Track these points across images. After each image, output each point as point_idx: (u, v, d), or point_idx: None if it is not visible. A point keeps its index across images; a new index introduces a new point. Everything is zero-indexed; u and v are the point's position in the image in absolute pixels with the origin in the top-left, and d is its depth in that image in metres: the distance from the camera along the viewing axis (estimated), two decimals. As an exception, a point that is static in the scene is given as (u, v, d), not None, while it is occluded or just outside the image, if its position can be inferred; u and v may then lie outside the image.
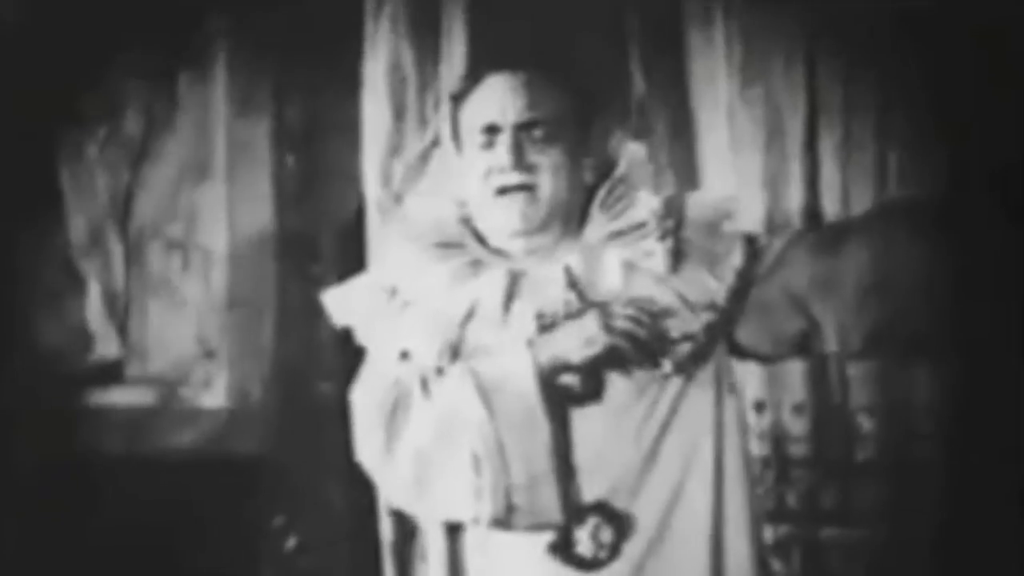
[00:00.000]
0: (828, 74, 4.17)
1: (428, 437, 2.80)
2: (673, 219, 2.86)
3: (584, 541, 2.79)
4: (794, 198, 4.20)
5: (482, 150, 2.87)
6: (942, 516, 3.99)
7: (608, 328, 2.77)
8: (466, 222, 2.94)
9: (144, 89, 4.91)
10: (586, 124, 2.91)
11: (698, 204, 2.92)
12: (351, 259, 4.35)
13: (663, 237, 2.84)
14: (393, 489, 2.88)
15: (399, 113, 4.33)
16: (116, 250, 4.95)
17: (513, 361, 2.79)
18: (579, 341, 2.78)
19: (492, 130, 2.86)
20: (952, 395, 4.02)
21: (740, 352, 2.92)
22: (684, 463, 2.82)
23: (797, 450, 4.21)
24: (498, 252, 2.91)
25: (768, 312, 2.87)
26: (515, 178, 2.84)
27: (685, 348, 2.81)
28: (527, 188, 2.84)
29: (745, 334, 2.89)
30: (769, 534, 4.16)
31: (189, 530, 4.76)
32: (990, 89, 3.74)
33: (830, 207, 4.17)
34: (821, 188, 4.20)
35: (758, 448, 4.17)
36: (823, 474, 4.18)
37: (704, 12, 4.26)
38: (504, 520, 2.78)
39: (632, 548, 2.80)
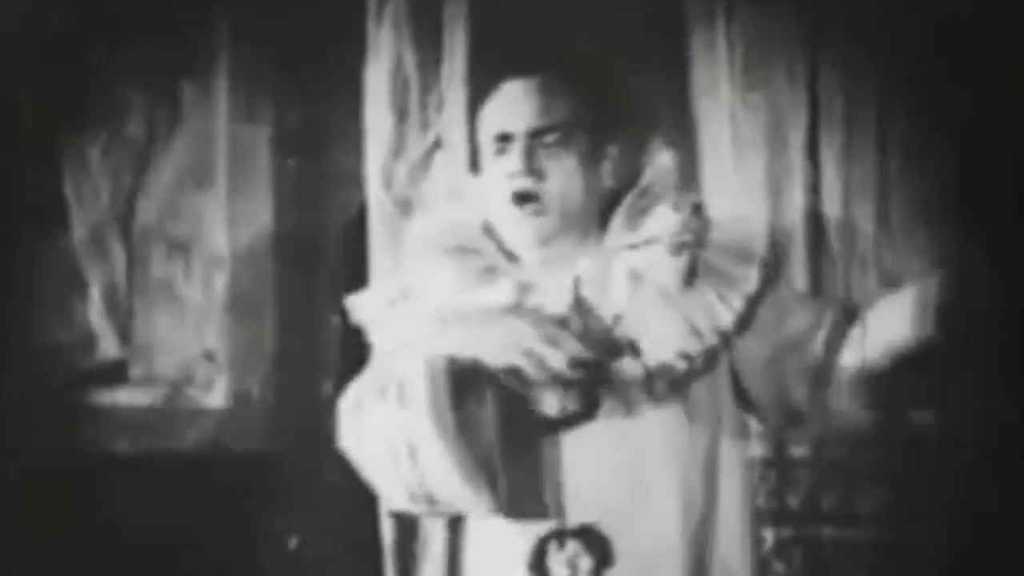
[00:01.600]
0: (830, 79, 4.18)
1: (376, 426, 2.80)
2: (692, 236, 2.84)
3: (558, 569, 2.78)
4: (796, 203, 4.21)
5: (497, 157, 2.88)
6: (944, 517, 4.01)
7: (528, 351, 2.72)
8: (488, 230, 2.94)
9: (146, 93, 4.91)
10: (603, 129, 2.91)
11: (725, 227, 2.90)
12: (353, 261, 4.36)
13: (677, 252, 2.83)
14: (365, 476, 2.88)
15: (401, 115, 4.33)
16: (118, 252, 4.95)
17: (421, 354, 2.76)
18: (498, 346, 2.75)
19: (505, 137, 2.88)
20: (953, 396, 4.03)
21: (743, 399, 2.92)
22: (678, 490, 2.81)
23: (798, 451, 4.22)
24: (514, 259, 2.91)
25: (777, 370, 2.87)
26: (526, 183, 2.84)
27: (681, 366, 2.80)
28: (538, 196, 2.84)
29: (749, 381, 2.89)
30: (771, 536, 4.18)
31: (190, 530, 4.77)
32: (993, 95, 3.75)
33: (832, 212, 4.18)
34: (823, 193, 4.21)
35: (759, 450, 4.18)
36: (825, 475, 4.19)
37: (706, 16, 4.27)
38: (432, 512, 2.79)
39: (618, 574, 2.78)
